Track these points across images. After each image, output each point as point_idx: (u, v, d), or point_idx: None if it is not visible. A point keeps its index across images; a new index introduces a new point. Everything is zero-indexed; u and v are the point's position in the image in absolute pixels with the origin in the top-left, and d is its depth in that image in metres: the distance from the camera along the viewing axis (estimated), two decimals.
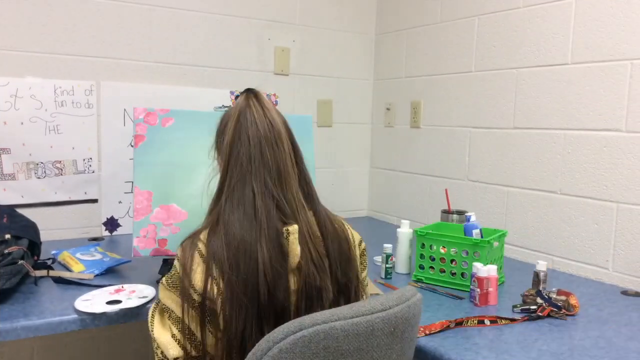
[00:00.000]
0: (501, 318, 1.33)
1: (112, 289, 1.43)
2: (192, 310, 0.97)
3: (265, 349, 0.82)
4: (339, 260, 1.07)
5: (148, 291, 1.41)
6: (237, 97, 1.15)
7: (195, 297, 0.96)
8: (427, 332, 1.24)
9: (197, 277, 0.97)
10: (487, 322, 1.32)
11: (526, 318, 1.35)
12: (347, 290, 1.07)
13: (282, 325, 0.84)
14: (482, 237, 1.62)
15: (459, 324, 1.29)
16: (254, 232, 0.99)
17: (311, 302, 1.01)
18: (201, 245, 1.01)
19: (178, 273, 1.00)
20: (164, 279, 1.03)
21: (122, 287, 1.44)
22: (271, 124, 1.07)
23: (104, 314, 1.28)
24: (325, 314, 0.85)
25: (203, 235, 1.03)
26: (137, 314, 1.33)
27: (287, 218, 1.03)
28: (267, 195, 1.03)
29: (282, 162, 1.06)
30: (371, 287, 1.58)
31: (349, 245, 1.11)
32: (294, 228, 1.02)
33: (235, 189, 1.04)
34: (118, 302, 1.32)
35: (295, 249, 1.01)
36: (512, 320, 1.34)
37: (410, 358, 1.00)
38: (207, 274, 0.97)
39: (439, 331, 1.26)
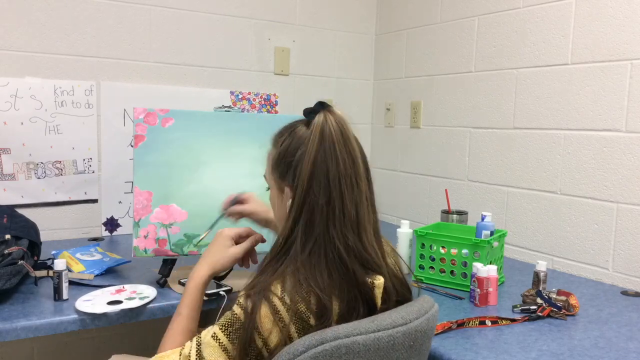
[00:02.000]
0: (502, 318, 1.33)
1: (113, 289, 1.43)
2: None
3: None
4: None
5: (149, 291, 1.41)
6: (310, 112, 1.00)
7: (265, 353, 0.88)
8: None
9: (273, 338, 0.88)
10: (488, 322, 1.32)
11: (526, 318, 1.35)
12: None
13: (304, 338, 0.81)
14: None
15: (460, 325, 1.29)
16: (337, 290, 0.91)
17: None
18: (276, 301, 0.89)
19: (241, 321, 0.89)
20: (217, 328, 0.91)
21: (123, 287, 1.44)
22: (352, 160, 0.95)
23: (104, 314, 1.28)
24: (348, 327, 0.83)
25: (275, 288, 0.90)
26: (138, 315, 1.33)
27: (369, 269, 0.96)
28: (347, 246, 0.93)
29: (360, 206, 0.95)
30: None
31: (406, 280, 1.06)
32: (379, 282, 0.95)
33: (312, 238, 0.93)
34: (119, 302, 1.32)
35: (378, 302, 0.95)
36: (513, 320, 1.34)
37: None
38: (284, 335, 0.87)
39: (441, 332, 1.26)
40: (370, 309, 0.94)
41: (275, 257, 0.96)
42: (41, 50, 1.96)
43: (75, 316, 1.27)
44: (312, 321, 0.88)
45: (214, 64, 2.30)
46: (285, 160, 1.00)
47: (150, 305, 1.35)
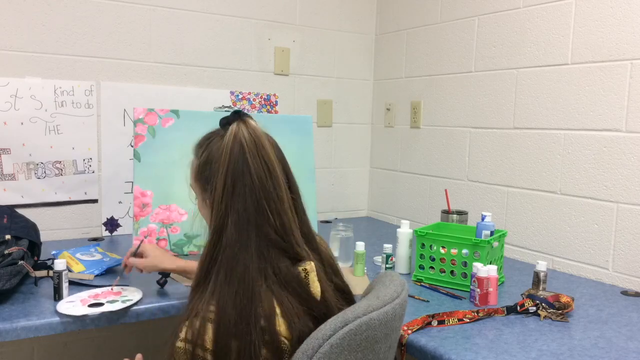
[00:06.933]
0: (478, 311, 1.36)
1: (99, 290, 1.42)
2: None
3: (316, 347, 0.84)
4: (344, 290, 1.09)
5: (134, 294, 1.40)
6: (225, 124, 1.00)
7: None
8: (410, 331, 1.24)
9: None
10: (466, 319, 1.34)
11: (503, 312, 1.36)
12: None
13: (327, 322, 0.86)
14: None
15: (440, 322, 1.31)
16: (255, 299, 0.89)
17: None
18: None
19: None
20: None
21: (112, 289, 1.43)
22: (268, 169, 0.95)
23: (85, 316, 1.27)
24: (361, 306, 0.90)
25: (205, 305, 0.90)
26: (122, 316, 1.32)
27: (299, 262, 0.98)
28: (271, 251, 0.94)
29: (284, 213, 0.96)
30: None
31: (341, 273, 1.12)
32: (311, 266, 0.97)
33: (229, 255, 0.92)
34: (100, 304, 1.32)
35: (316, 287, 0.97)
36: (494, 311, 1.36)
37: None
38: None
39: (421, 327, 1.27)
40: (309, 297, 0.95)
41: (202, 274, 0.95)
42: (41, 50, 1.96)
43: (75, 316, 1.27)
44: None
45: (214, 64, 2.30)
46: (204, 174, 1.00)
47: (133, 308, 1.35)
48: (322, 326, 0.85)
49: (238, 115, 0.99)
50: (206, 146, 1.02)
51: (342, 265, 1.80)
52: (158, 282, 1.49)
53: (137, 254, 1.39)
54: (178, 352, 0.88)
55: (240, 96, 2.36)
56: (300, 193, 1.04)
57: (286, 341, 0.89)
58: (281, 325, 0.90)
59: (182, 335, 0.88)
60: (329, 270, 1.06)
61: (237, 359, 0.86)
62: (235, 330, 0.86)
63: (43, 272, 1.51)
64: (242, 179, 0.94)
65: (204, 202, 1.05)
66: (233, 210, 0.93)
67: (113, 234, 2.12)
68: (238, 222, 0.93)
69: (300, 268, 0.96)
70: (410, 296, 1.51)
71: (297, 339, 0.90)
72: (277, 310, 0.90)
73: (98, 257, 1.69)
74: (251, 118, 1.01)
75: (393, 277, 1.03)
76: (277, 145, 1.03)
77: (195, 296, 0.94)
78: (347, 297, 1.08)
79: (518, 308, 1.39)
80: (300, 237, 0.99)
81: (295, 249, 0.97)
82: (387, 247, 1.69)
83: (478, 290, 1.44)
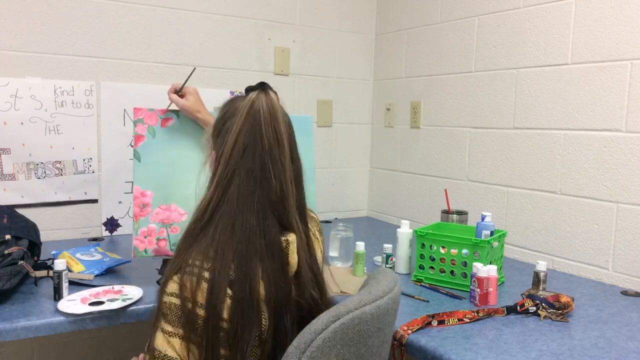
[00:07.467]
0: (478, 311, 1.36)
1: (100, 289, 1.43)
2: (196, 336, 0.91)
3: (308, 341, 0.85)
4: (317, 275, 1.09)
5: (134, 292, 1.40)
6: (248, 90, 1.06)
7: (201, 313, 0.91)
8: (410, 331, 1.24)
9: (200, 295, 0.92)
10: (466, 319, 1.34)
11: (503, 312, 1.36)
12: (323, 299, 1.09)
13: (319, 317, 0.87)
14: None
15: (440, 322, 1.31)
16: (254, 254, 0.96)
17: (309, 309, 1.02)
18: (199, 271, 0.93)
19: (177, 305, 0.92)
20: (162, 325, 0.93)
21: (113, 287, 1.43)
22: (277, 138, 1.01)
23: (86, 314, 1.27)
24: (354, 300, 0.91)
25: (195, 261, 0.95)
26: (121, 316, 1.33)
27: (286, 230, 1.02)
28: (268, 213, 0.99)
29: (284, 181, 1.01)
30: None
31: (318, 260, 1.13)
32: (292, 238, 1.01)
33: (231, 208, 0.98)
34: (101, 303, 1.32)
35: (294, 259, 1.01)
36: (494, 311, 1.36)
37: None
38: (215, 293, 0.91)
39: (421, 327, 1.27)
40: (284, 268, 0.99)
41: (195, 224, 1.00)
42: (41, 50, 1.96)
43: (75, 316, 1.27)
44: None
45: (214, 64, 2.30)
46: (218, 127, 1.06)
47: (134, 306, 1.34)
48: (313, 321, 0.87)
49: (262, 86, 1.05)
50: (228, 104, 1.08)
51: (342, 266, 1.80)
52: (158, 282, 1.49)
53: (180, 93, 1.52)
54: (166, 306, 0.92)
55: None
56: (304, 167, 1.09)
57: (263, 302, 0.94)
58: (261, 287, 0.94)
59: (169, 289, 0.93)
60: (307, 249, 1.07)
61: (232, 309, 0.91)
62: (234, 280, 0.92)
63: (43, 272, 1.51)
64: (254, 142, 0.99)
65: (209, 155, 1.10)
66: (241, 168, 0.99)
67: (113, 234, 2.12)
68: (244, 179, 0.98)
69: (282, 238, 1.00)
70: (410, 296, 1.51)
71: (275, 300, 0.95)
72: (260, 272, 0.95)
73: (98, 257, 1.69)
74: (274, 92, 1.06)
75: (386, 273, 1.05)
76: (289, 122, 1.07)
77: (183, 246, 0.99)
78: (316, 280, 1.08)
79: (518, 308, 1.39)
80: (295, 207, 1.04)
81: (289, 217, 1.02)
82: (387, 247, 1.69)
83: (478, 290, 1.44)
